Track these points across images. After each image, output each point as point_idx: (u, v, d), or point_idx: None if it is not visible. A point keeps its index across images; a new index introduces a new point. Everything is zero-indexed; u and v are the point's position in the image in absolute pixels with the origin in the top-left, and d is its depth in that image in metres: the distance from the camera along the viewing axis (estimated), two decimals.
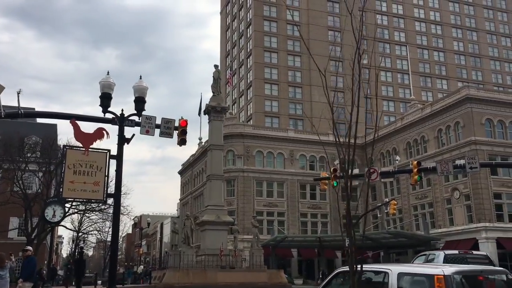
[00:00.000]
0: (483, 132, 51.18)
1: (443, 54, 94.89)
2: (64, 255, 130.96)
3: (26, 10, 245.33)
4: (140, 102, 14.19)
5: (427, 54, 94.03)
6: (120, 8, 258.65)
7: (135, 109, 14.30)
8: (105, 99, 13.86)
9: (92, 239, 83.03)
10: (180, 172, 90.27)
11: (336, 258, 61.58)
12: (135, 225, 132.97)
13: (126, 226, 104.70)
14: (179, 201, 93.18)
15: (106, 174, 13.10)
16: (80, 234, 62.16)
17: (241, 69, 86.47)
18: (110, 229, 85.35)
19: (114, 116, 14.23)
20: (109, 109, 13.88)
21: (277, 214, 63.37)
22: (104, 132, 13.30)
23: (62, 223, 42.00)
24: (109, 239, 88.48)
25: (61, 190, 12.46)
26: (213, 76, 32.35)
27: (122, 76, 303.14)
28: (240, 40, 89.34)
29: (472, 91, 51.99)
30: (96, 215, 55.16)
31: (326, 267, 55.41)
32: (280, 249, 57.12)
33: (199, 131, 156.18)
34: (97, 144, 12.89)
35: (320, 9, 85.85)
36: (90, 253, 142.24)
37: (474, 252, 27.88)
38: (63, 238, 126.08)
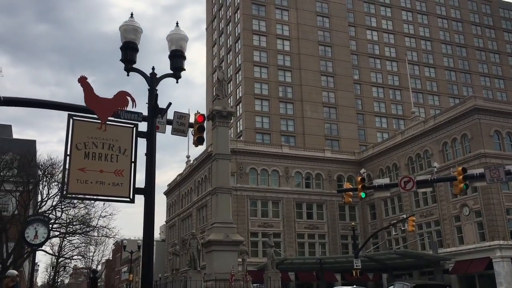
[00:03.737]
0: (492, 144, 48.71)
1: (434, 70, 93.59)
2: (39, 283, 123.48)
3: (1, 36, 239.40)
4: (177, 58, 9.86)
5: (418, 70, 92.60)
6: (96, 35, 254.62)
7: (171, 68, 9.99)
8: (129, 50, 9.47)
9: (71, 265, 77.37)
10: (166, 193, 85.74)
11: (336, 281, 57.62)
12: (115, 251, 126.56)
13: (107, 250, 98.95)
14: (164, 223, 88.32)
15: (133, 160, 8.62)
16: (60, 260, 56.79)
17: (229, 84, 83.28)
18: (94, 254, 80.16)
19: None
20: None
21: (273, 235, 59.35)
22: (129, 98, 8.93)
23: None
24: (93, 266, 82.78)
25: (65, 183, 7.98)
26: (217, 78, 28.94)
27: None
28: (228, 55, 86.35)
29: (480, 102, 49.66)
30: (78, 239, 50.16)
31: None
32: None
33: (186, 150, 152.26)
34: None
35: (310, 24, 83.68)
36: (67, 280, 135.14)
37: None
38: (38, 265, 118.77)
